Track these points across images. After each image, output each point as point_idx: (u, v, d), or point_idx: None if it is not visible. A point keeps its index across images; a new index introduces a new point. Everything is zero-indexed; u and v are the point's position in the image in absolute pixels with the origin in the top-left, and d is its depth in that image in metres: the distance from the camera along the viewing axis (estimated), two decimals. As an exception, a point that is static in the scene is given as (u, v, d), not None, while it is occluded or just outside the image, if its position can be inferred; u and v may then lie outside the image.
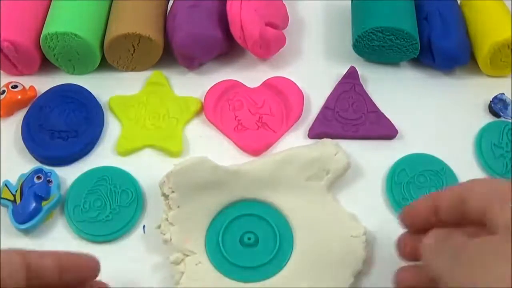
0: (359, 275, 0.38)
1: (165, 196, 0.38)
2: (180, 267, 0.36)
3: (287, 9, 0.53)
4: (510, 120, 0.47)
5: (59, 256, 0.29)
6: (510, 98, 0.48)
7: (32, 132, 0.45)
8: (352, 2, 0.53)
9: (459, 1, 0.53)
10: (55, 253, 0.29)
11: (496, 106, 0.48)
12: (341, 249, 0.37)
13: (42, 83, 0.49)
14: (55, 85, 0.48)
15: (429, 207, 0.31)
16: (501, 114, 0.48)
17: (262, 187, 0.39)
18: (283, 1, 0.53)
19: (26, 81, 0.48)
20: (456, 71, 0.51)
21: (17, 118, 0.47)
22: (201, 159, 0.38)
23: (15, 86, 0.48)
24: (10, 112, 0.47)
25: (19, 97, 0.47)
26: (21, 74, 0.50)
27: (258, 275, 0.36)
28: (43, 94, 0.48)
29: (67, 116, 0.46)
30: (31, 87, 0.48)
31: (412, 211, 0.33)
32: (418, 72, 0.51)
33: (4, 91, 0.47)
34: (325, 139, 0.44)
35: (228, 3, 0.48)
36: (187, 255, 0.36)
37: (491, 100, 0.48)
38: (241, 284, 0.35)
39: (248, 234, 0.37)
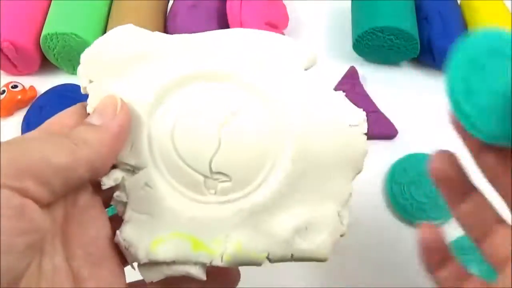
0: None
1: (85, 90, 0.26)
2: (121, 196, 0.24)
3: (287, 9, 0.53)
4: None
5: None
6: (510, 98, 0.49)
7: (32, 132, 0.45)
8: (352, 2, 0.53)
9: (459, 1, 0.53)
10: None
11: (496, 106, 0.48)
12: (336, 144, 0.27)
13: (42, 83, 0.49)
14: (55, 85, 0.48)
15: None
16: (501, 114, 0.48)
17: (224, 59, 0.27)
18: (283, 1, 0.53)
19: (26, 81, 0.48)
20: (456, 71, 0.51)
21: (17, 118, 0.47)
22: (123, 28, 0.26)
23: (15, 86, 0.48)
24: (10, 112, 0.47)
25: (19, 97, 0.47)
26: (21, 74, 0.50)
27: None
28: (43, 94, 0.48)
29: (67, 116, 0.46)
30: (31, 87, 0.48)
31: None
32: (418, 72, 0.51)
33: (4, 91, 0.47)
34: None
35: (228, 3, 0.48)
36: (129, 171, 0.24)
37: (491, 100, 0.48)
38: (212, 198, 0.24)
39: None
